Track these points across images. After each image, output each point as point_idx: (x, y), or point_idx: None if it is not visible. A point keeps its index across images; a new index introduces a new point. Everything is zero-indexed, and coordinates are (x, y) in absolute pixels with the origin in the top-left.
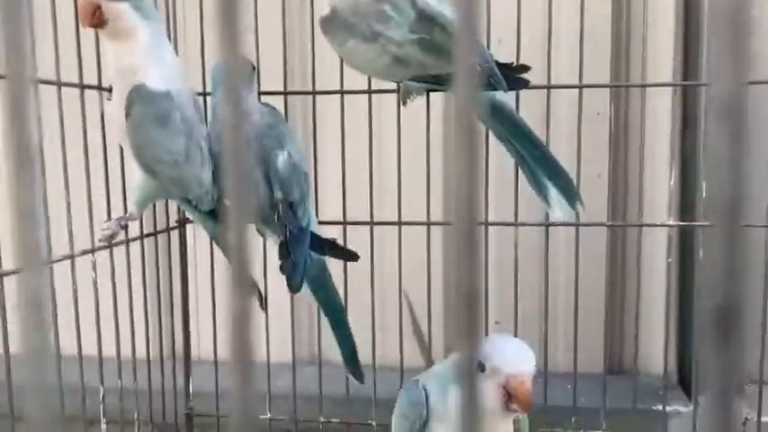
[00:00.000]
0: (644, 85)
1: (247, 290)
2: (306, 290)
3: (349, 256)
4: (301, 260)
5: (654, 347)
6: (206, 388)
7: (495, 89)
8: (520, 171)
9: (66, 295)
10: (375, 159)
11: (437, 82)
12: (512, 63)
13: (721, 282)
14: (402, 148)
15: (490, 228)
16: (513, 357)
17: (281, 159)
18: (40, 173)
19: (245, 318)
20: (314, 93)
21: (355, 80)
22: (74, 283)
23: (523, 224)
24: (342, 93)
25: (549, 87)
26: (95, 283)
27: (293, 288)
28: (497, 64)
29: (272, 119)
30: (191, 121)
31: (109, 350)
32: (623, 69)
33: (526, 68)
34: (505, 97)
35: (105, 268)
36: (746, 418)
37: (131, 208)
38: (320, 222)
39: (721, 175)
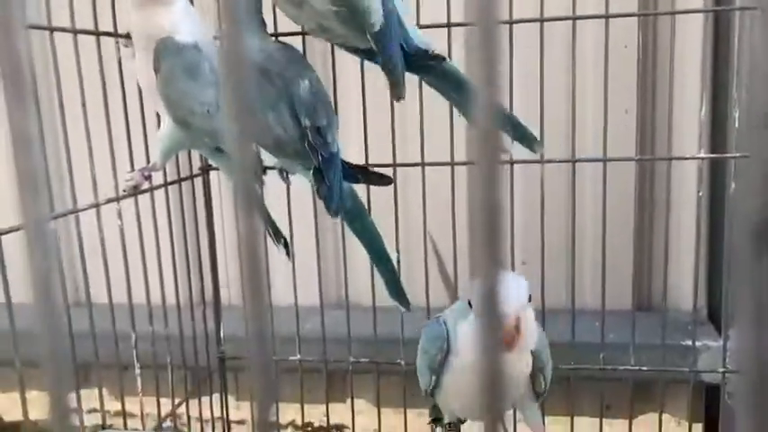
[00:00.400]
0: (673, 13)
1: (256, 212)
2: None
3: (382, 180)
4: (336, 183)
5: (683, 283)
6: (237, 333)
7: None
8: (546, 106)
9: (94, 243)
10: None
11: (367, 57)
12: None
13: (760, 195)
14: (424, 87)
15: (516, 166)
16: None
17: (304, 86)
18: (36, 103)
19: (255, 238)
20: None
21: None
22: (100, 231)
23: (550, 161)
24: None
25: (574, 19)
26: (122, 231)
27: (332, 211)
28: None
29: (289, 53)
30: (218, 71)
31: (139, 298)
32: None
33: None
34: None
35: (131, 216)
36: None
37: (155, 158)
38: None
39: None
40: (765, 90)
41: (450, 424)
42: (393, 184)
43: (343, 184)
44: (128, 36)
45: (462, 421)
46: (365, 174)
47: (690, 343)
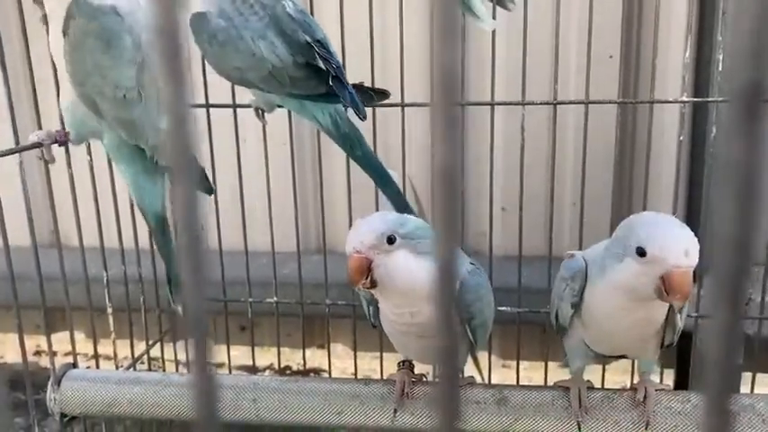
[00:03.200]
0: None
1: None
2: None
3: (380, 94)
4: (352, 90)
5: None
6: (214, 274)
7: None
8: (529, 49)
9: (65, 185)
10: (377, 39)
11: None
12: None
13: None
14: (404, 25)
15: (496, 108)
16: (677, 248)
17: (289, 6)
18: None
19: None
20: None
21: None
22: (69, 167)
23: (531, 103)
24: None
25: None
26: (92, 171)
27: (363, 114)
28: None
29: None
30: (148, 51)
31: (111, 241)
32: None
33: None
34: None
35: (102, 156)
36: (750, 298)
37: (70, 131)
38: None
39: None
40: None
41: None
42: (372, 127)
43: (342, 111)
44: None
45: None
46: (362, 91)
47: None
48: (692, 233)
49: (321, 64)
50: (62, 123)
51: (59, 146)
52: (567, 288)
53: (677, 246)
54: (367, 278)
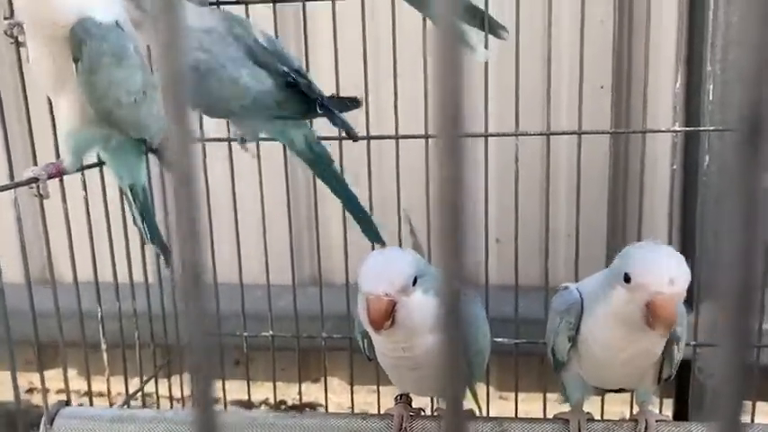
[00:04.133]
0: None
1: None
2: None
3: (352, 103)
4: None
5: None
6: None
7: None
8: (521, 79)
9: (59, 220)
10: (370, 71)
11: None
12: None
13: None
14: (398, 59)
15: (490, 139)
16: (660, 274)
17: (261, 38)
18: None
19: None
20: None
21: None
22: (64, 203)
23: (524, 134)
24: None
25: None
26: (87, 207)
27: (354, 134)
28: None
29: (224, 14)
30: (141, 51)
31: (105, 276)
32: None
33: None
34: None
35: (97, 191)
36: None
37: (65, 156)
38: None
39: None
40: None
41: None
42: (367, 159)
43: (314, 134)
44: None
45: None
46: (338, 104)
47: None
48: (683, 262)
49: (303, 88)
50: (57, 156)
51: (53, 178)
52: (562, 322)
53: (660, 272)
54: (389, 320)
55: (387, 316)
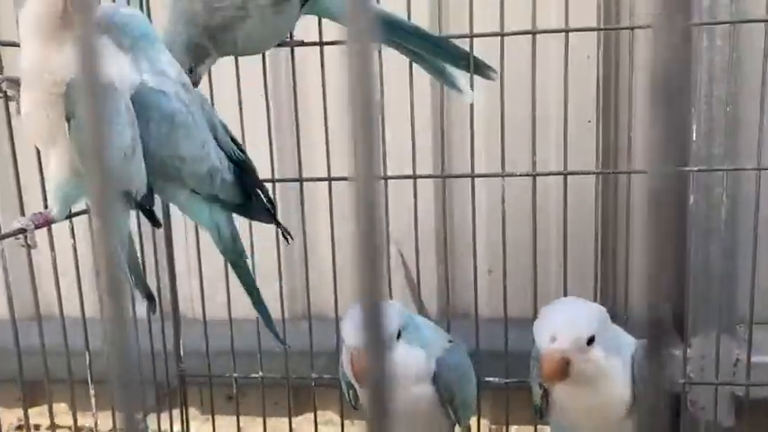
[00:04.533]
0: (632, 28)
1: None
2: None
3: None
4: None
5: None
6: (199, 347)
7: None
8: (507, 118)
9: (46, 255)
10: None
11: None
12: None
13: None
14: (384, 99)
15: (478, 180)
16: (544, 332)
17: (219, 118)
18: None
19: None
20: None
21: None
22: (51, 250)
23: (510, 175)
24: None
25: (534, 33)
26: (74, 246)
27: (288, 235)
28: None
29: (191, 87)
30: (131, 108)
31: (94, 312)
32: (612, 13)
33: None
34: (380, 6)
35: (85, 228)
36: (737, 359)
37: (52, 205)
38: (305, 179)
39: None
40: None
41: None
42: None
43: (232, 220)
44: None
45: None
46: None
47: None
48: (578, 318)
49: (247, 179)
50: (45, 206)
51: (41, 228)
52: (534, 369)
53: (545, 330)
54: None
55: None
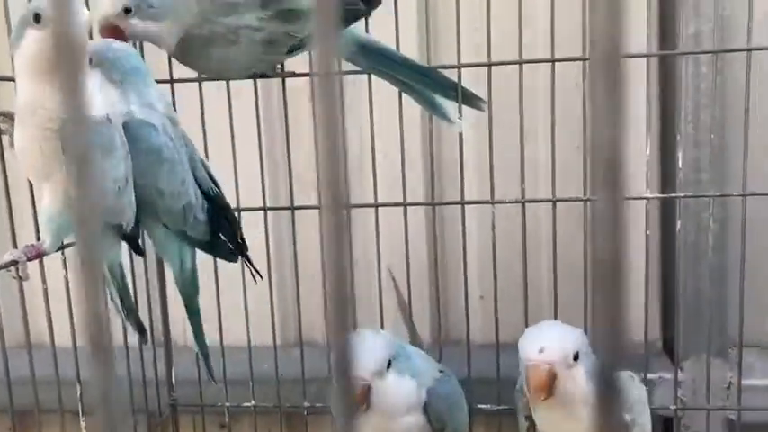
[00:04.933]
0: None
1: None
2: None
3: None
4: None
5: (635, 318)
6: (191, 375)
7: (357, 19)
8: (495, 146)
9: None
10: (354, 137)
11: (300, 47)
12: None
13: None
14: (375, 127)
15: (468, 206)
16: (531, 344)
17: (198, 155)
18: None
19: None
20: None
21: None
22: (43, 282)
23: (500, 202)
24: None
25: (521, 63)
26: (66, 276)
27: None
28: None
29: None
30: (125, 140)
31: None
32: None
33: None
34: (369, 36)
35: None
36: (730, 383)
37: (45, 238)
38: (295, 207)
39: None
40: None
41: None
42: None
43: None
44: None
45: None
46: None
47: (642, 375)
48: (564, 335)
49: (219, 219)
50: (37, 238)
51: (33, 260)
52: (519, 402)
53: (532, 342)
54: (365, 404)
55: (362, 400)
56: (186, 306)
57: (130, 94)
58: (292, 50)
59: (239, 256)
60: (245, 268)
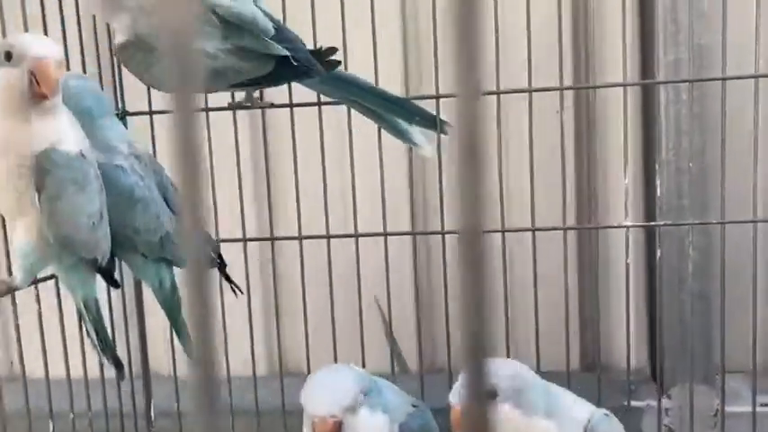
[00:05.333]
0: (595, 87)
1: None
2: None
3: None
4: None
5: (620, 346)
6: (169, 407)
7: (311, 77)
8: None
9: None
10: (331, 169)
11: (252, 83)
12: (319, 47)
13: None
14: (355, 158)
15: (449, 235)
16: (310, 399)
17: (167, 177)
18: None
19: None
20: None
21: None
22: (15, 314)
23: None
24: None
25: (498, 93)
26: (39, 312)
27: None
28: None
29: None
30: (98, 174)
31: (58, 371)
32: (582, 70)
33: (333, 50)
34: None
35: (51, 287)
36: (717, 410)
37: (17, 273)
38: (276, 238)
39: None
40: None
41: None
42: (328, 258)
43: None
44: None
45: None
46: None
47: (626, 403)
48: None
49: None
50: (9, 273)
51: (4, 296)
52: None
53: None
54: None
55: None
56: (172, 324)
57: (89, 136)
58: (234, 86)
59: (221, 273)
60: (223, 301)
